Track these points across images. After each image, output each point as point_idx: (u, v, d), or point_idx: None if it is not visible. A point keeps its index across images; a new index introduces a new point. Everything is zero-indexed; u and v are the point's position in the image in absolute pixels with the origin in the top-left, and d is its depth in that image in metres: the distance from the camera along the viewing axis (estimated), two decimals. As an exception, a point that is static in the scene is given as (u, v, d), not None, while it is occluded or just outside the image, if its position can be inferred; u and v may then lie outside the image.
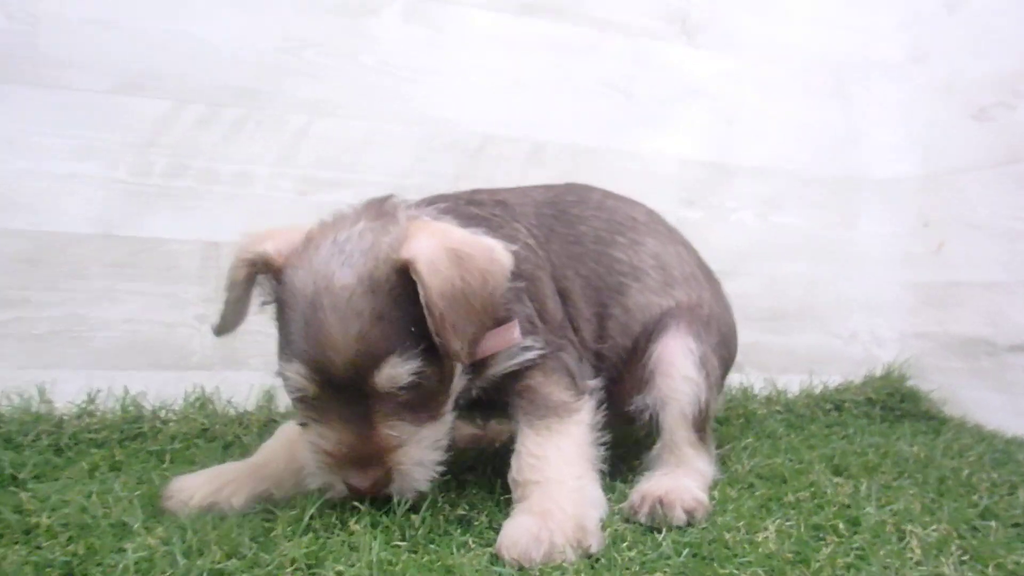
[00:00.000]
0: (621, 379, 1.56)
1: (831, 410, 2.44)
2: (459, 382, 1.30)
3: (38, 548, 1.07)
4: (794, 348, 2.68)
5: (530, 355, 1.34)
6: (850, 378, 2.64)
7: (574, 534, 1.16)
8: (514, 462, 1.30)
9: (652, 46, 2.48)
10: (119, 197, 1.92)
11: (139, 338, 1.93)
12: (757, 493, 1.51)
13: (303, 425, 1.26)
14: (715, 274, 1.79)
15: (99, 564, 1.01)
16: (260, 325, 2.03)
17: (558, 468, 1.26)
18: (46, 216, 1.86)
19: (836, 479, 1.61)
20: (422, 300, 1.15)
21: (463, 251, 1.21)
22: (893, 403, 2.53)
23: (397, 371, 1.17)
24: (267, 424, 1.86)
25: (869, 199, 2.78)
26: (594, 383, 1.42)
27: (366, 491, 1.21)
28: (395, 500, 1.23)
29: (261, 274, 1.31)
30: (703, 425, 1.50)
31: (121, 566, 0.99)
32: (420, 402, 1.23)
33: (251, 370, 2.01)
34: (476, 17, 2.27)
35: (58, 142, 1.87)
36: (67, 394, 1.82)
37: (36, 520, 1.17)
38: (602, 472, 1.35)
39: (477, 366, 1.32)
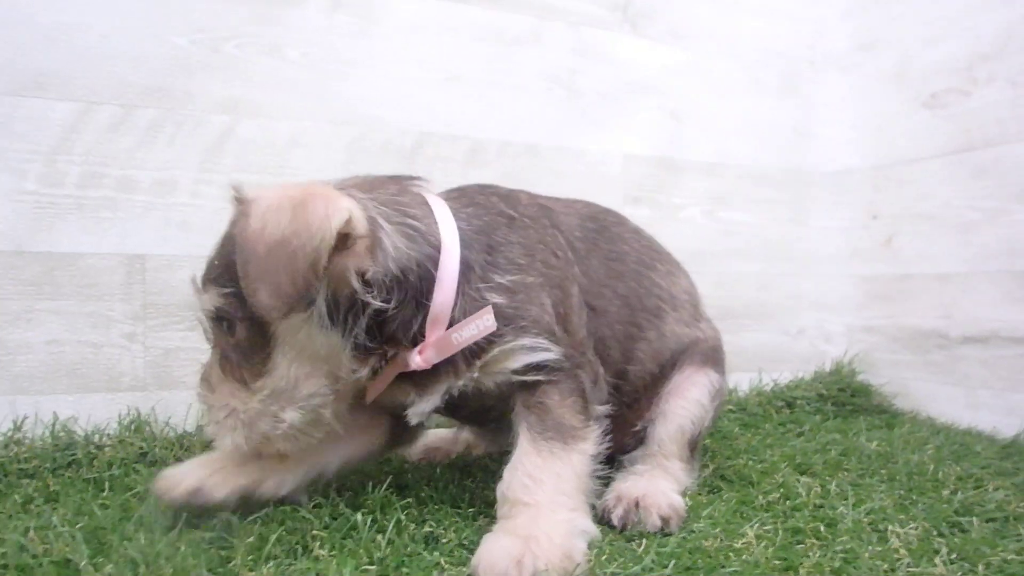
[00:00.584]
0: (637, 403, 1.67)
1: (783, 407, 2.60)
2: (289, 367, 1.32)
3: (-22, 593, 1.09)
4: (744, 346, 2.83)
5: (542, 356, 1.37)
6: (799, 375, 2.82)
7: (560, 563, 1.17)
8: (507, 476, 1.34)
9: (595, 36, 2.57)
10: (28, 210, 1.91)
11: (64, 360, 1.94)
12: (726, 496, 1.62)
13: None
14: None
15: (49, 608, 1.03)
16: (194, 342, 2.06)
17: (552, 495, 1.29)
18: (-51, 234, 1.84)
19: (803, 479, 1.73)
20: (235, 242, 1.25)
21: (302, 201, 1.22)
22: (844, 398, 2.70)
23: (208, 296, 1.32)
24: (209, 444, 1.87)
25: (818, 193, 2.95)
26: (603, 409, 1.47)
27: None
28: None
29: None
30: (695, 446, 1.66)
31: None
32: (240, 357, 1.33)
33: (188, 389, 2.02)
34: (408, 5, 2.30)
35: (-45, 151, 1.85)
36: (-13, 423, 1.81)
37: (-27, 562, 1.18)
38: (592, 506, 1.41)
39: (469, 357, 1.37)
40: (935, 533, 1.40)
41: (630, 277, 1.69)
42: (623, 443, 1.66)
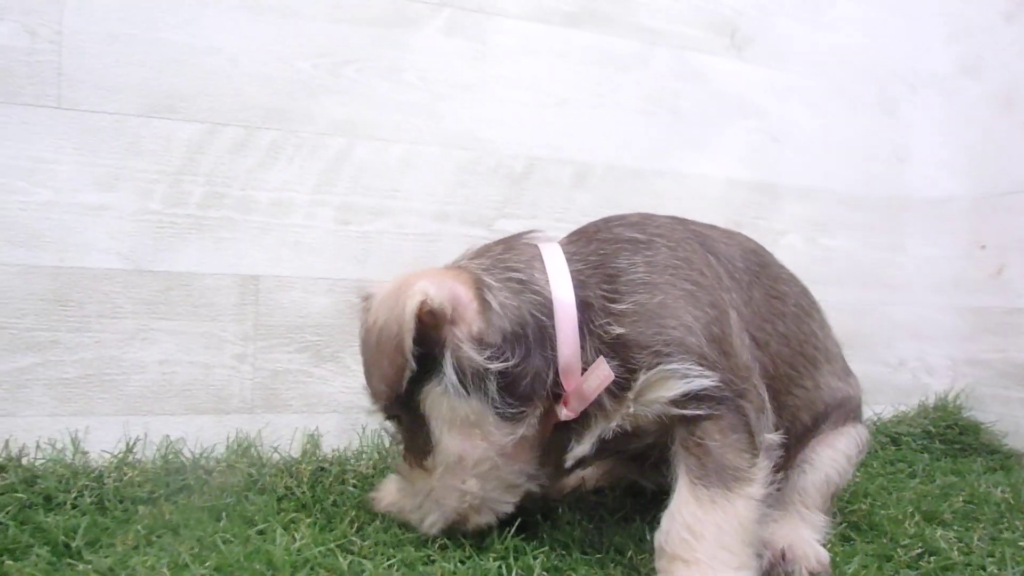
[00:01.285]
0: (789, 451, 1.49)
1: (887, 443, 2.44)
2: (450, 445, 1.32)
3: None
4: (844, 377, 2.67)
5: (698, 384, 1.23)
6: (900, 408, 2.64)
7: None
8: (665, 523, 1.22)
9: (699, 60, 2.45)
10: (150, 229, 1.85)
11: (175, 380, 1.87)
12: (859, 547, 1.48)
13: None
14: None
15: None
16: (302, 364, 1.99)
17: (713, 552, 1.17)
18: (73, 251, 1.79)
19: (940, 531, 1.59)
20: None
21: (396, 291, 1.27)
22: (952, 436, 2.52)
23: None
24: (316, 472, 1.79)
25: (917, 220, 2.77)
26: (774, 437, 1.32)
27: None
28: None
29: None
30: (834, 500, 1.55)
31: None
32: (405, 440, 1.41)
33: (294, 412, 1.95)
34: (520, 30, 2.22)
35: (84, 171, 1.80)
36: (101, 443, 1.76)
37: (109, 604, 1.09)
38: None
39: (615, 394, 1.29)
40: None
41: (790, 319, 1.54)
42: None
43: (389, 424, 1.44)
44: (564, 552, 1.39)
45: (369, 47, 2.03)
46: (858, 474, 2.11)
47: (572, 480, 1.79)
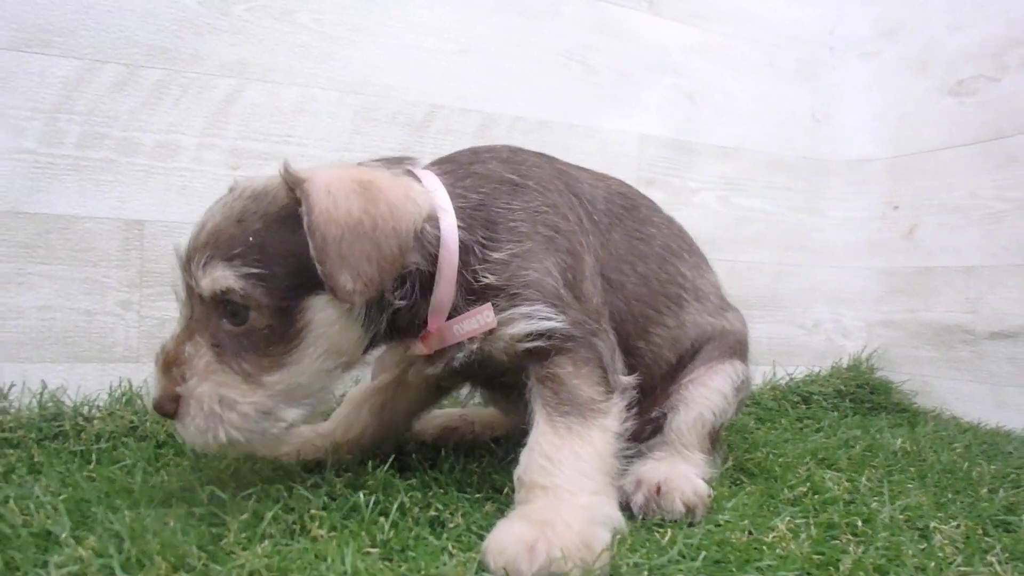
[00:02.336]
0: (652, 391, 1.55)
1: (799, 403, 2.51)
2: (314, 358, 1.23)
3: (-50, 563, 0.99)
4: (757, 338, 2.68)
5: (545, 325, 1.27)
6: (814, 369, 2.72)
7: (576, 552, 1.06)
8: (523, 459, 1.24)
9: (613, 13, 2.47)
10: (25, 169, 1.82)
11: (55, 327, 1.84)
12: (749, 489, 1.52)
13: None
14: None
15: (24, 580, 0.94)
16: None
17: (572, 477, 1.18)
18: (-58, 191, 1.74)
19: (829, 473, 1.64)
20: (304, 221, 1.14)
21: (375, 183, 1.20)
22: (863, 395, 2.60)
23: (217, 274, 1.16)
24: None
25: (836, 182, 2.85)
26: (628, 380, 1.36)
27: (155, 405, 1.20)
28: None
29: None
30: (716, 438, 1.57)
31: (47, 581, 0.92)
32: (247, 345, 1.19)
33: (181, 362, 1.92)
34: (425, -27, 2.21)
35: (-47, 107, 1.75)
36: (-28, 390, 1.71)
37: (-53, 530, 1.08)
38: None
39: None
40: (981, 532, 1.31)
41: (653, 260, 1.59)
42: (638, 431, 1.53)
43: (201, 302, 1.21)
44: (441, 491, 1.40)
45: (262, -14, 2.01)
46: (761, 428, 2.17)
47: (445, 420, 1.82)
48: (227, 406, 1.17)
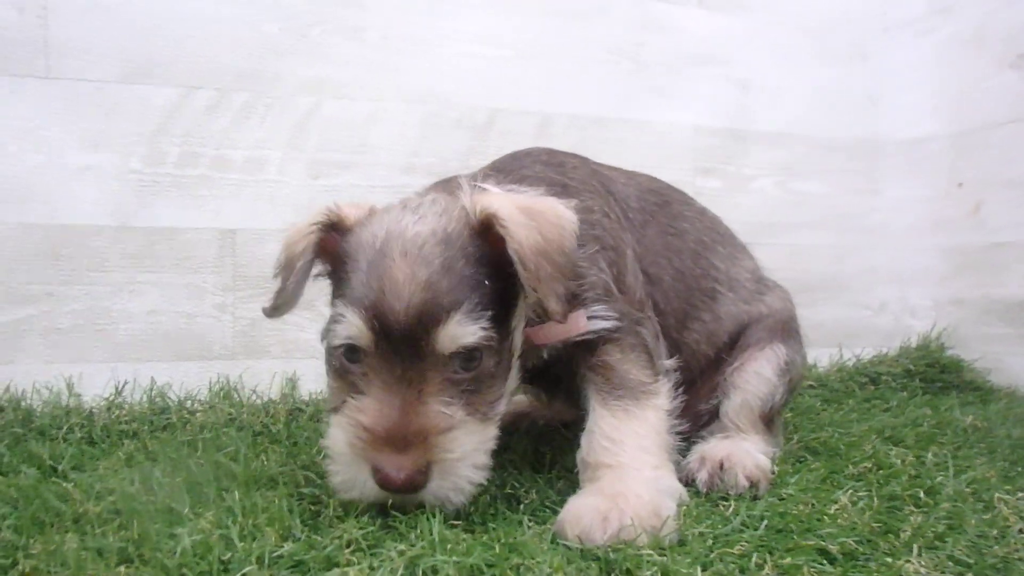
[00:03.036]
0: (694, 385, 1.57)
1: (867, 383, 2.46)
2: (513, 379, 1.27)
3: (93, 535, 1.12)
4: (821, 321, 2.71)
5: (603, 324, 1.31)
6: (882, 350, 2.68)
7: (648, 520, 1.09)
8: (585, 442, 1.28)
9: (661, 9, 2.50)
10: (133, 187, 1.99)
11: (161, 329, 2.00)
12: (813, 466, 1.52)
13: (334, 411, 1.20)
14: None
15: (156, 549, 1.06)
16: (280, 312, 2.10)
17: (634, 454, 1.23)
18: (63, 209, 1.93)
19: (895, 450, 1.62)
20: (512, 254, 1.14)
21: (532, 208, 1.21)
22: (933, 374, 2.54)
23: (463, 329, 1.11)
24: (292, 412, 1.93)
25: (894, 162, 2.80)
26: (671, 363, 1.41)
27: (400, 484, 1.09)
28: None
29: (327, 241, 1.28)
30: (769, 419, 1.58)
31: (180, 549, 1.03)
32: (475, 387, 1.16)
33: (272, 358, 2.07)
34: (478, -17, 2.29)
35: (71, 134, 1.94)
36: (94, 387, 1.91)
37: (84, 508, 1.23)
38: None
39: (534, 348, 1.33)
40: (1049, 504, 1.30)
41: (687, 255, 1.62)
42: (695, 420, 1.59)
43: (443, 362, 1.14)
44: (516, 471, 1.49)
45: (332, 8, 2.13)
46: (828, 409, 2.17)
47: (516, 407, 1.88)
48: (482, 455, 1.17)
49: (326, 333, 1.24)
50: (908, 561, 1.03)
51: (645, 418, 1.28)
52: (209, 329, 2.04)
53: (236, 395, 1.99)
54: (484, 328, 1.13)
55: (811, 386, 2.39)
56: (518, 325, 1.26)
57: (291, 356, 2.08)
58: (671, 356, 1.45)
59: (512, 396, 1.31)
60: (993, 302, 2.57)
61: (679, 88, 2.54)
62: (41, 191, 1.91)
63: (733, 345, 1.61)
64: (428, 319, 1.11)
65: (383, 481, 1.10)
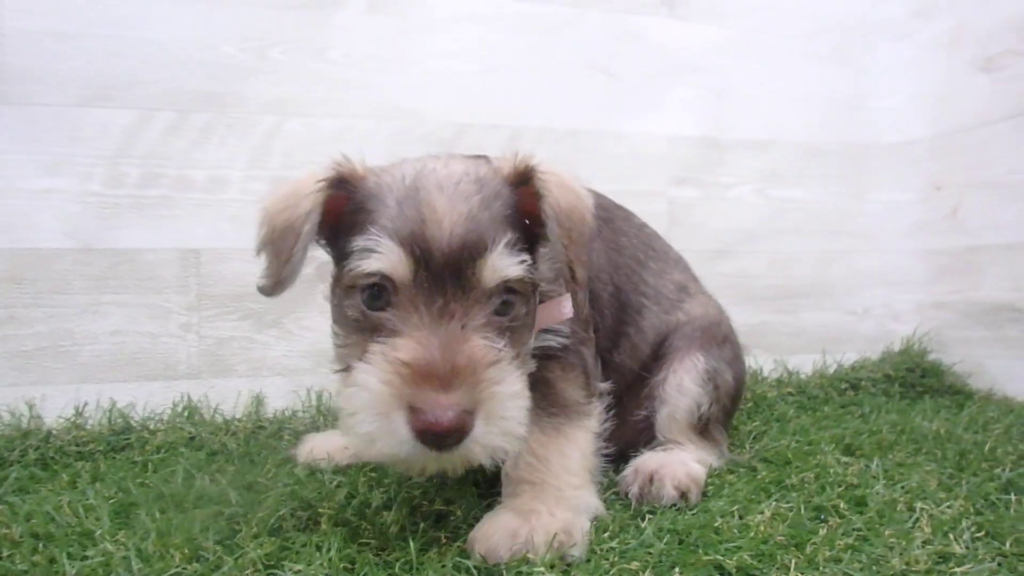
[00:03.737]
0: (622, 400, 1.53)
1: (846, 389, 2.41)
2: (532, 339, 1.20)
3: (1, 559, 1.10)
4: (804, 327, 2.65)
5: (553, 341, 1.27)
6: (866, 355, 2.61)
7: (558, 537, 1.09)
8: (511, 457, 1.22)
9: (633, 21, 2.46)
10: (94, 210, 1.98)
11: (125, 350, 1.99)
12: (758, 477, 1.49)
13: (348, 369, 1.08)
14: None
15: (56, 572, 1.04)
16: (245, 331, 2.09)
17: (557, 473, 1.22)
18: (24, 233, 1.93)
19: (845, 459, 1.60)
20: (547, 213, 1.10)
21: (560, 172, 1.16)
22: (914, 379, 2.48)
23: (505, 261, 1.05)
24: (254, 431, 1.90)
25: (878, 166, 2.73)
26: (604, 386, 1.38)
27: (446, 426, 0.96)
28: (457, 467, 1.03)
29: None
30: (702, 429, 1.54)
31: (74, 572, 1.01)
32: (510, 330, 1.09)
33: (239, 376, 2.05)
34: (443, 1, 2.27)
35: (30, 158, 1.93)
36: (57, 409, 1.89)
37: (7, 532, 1.21)
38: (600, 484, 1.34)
39: None
40: (971, 511, 1.26)
41: (624, 270, 1.58)
42: (637, 435, 1.56)
43: (486, 300, 1.06)
44: (454, 487, 1.44)
45: (294, 29, 2.11)
46: (801, 416, 2.10)
47: None
48: (523, 399, 1.07)
49: (337, 278, 1.15)
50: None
51: (575, 438, 1.26)
52: (174, 349, 2.02)
53: (199, 415, 1.96)
54: (526, 264, 1.07)
55: (790, 393, 2.32)
56: (539, 284, 1.21)
57: (258, 374, 2.06)
58: (605, 379, 1.41)
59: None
60: (972, 305, 2.50)
61: (653, 99, 2.48)
62: (2, 215, 1.91)
63: (656, 356, 1.57)
64: (473, 248, 1.04)
65: (425, 426, 0.96)
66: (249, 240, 2.04)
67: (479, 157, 1.27)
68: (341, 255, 1.13)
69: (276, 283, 1.16)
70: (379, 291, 1.06)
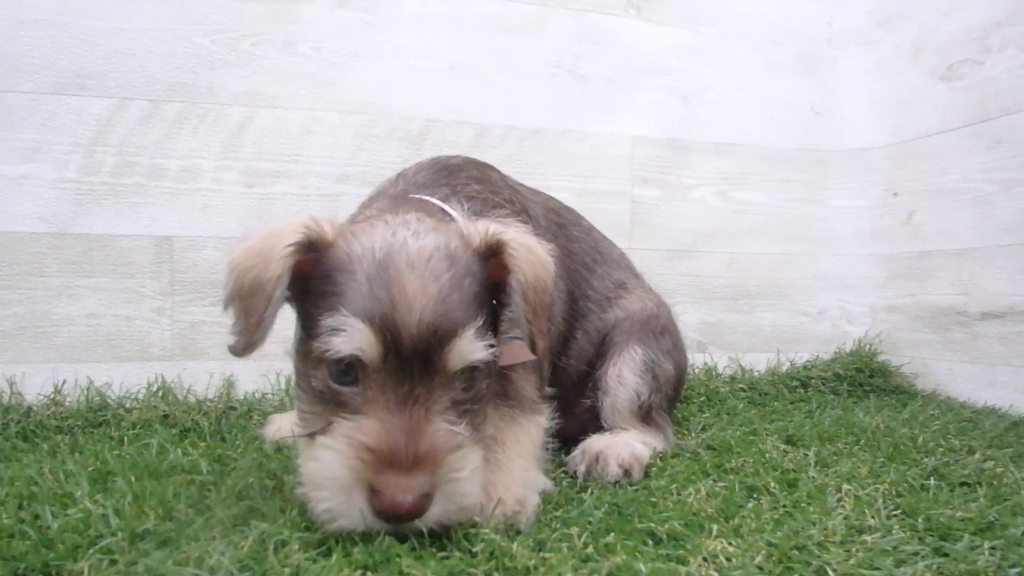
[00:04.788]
0: (567, 397, 1.67)
1: (797, 387, 2.58)
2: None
3: (-13, 516, 1.24)
4: (760, 327, 2.82)
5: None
6: (819, 355, 2.79)
7: (511, 506, 1.18)
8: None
9: (600, 22, 2.61)
10: (70, 196, 2.11)
11: (101, 332, 2.13)
12: (700, 461, 1.65)
13: (312, 436, 1.13)
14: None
15: (39, 528, 1.18)
16: (217, 316, 2.22)
17: (510, 455, 1.31)
18: (0, 217, 2.05)
19: (785, 447, 1.75)
20: (515, 284, 1.18)
21: (527, 243, 1.24)
22: (862, 379, 2.66)
23: (472, 346, 1.09)
24: (226, 411, 2.04)
25: (837, 172, 2.90)
26: (550, 391, 1.53)
27: (407, 509, 1.02)
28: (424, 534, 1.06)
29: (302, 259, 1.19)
30: (644, 415, 1.69)
31: (57, 525, 1.15)
32: (472, 409, 1.15)
33: (211, 359, 2.19)
34: (412, -2, 2.41)
35: (6, 145, 2.06)
36: (36, 387, 2.03)
37: (-10, 493, 1.34)
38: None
39: None
40: (894, 493, 1.40)
41: (574, 276, 1.74)
42: (584, 424, 1.71)
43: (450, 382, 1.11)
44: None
45: (264, 22, 2.25)
46: (752, 410, 2.27)
47: None
48: (479, 475, 1.14)
49: (304, 350, 1.17)
50: (720, 542, 1.13)
51: (527, 429, 1.39)
52: (148, 332, 2.16)
53: (173, 395, 2.11)
54: (490, 347, 1.13)
55: (742, 389, 2.50)
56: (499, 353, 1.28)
57: (229, 358, 2.13)
58: (553, 383, 1.56)
59: None
60: (922, 309, 2.68)
61: (618, 100, 2.64)
62: (-21, 201, 2.04)
63: (599, 353, 1.73)
64: (442, 333, 1.08)
65: (386, 507, 1.02)
66: (221, 229, 2.21)
67: (445, 215, 1.36)
68: (309, 324, 1.17)
69: (247, 345, 1.19)
70: (347, 368, 1.10)
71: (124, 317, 2.14)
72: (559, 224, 1.77)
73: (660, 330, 1.76)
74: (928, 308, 2.65)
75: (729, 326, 2.78)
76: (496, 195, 1.57)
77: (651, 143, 2.67)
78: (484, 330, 1.13)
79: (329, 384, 1.11)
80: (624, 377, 1.67)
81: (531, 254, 1.22)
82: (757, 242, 2.81)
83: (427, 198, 1.46)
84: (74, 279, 2.10)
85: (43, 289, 2.08)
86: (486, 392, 1.20)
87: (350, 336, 1.07)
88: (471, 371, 1.14)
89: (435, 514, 1.06)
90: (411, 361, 1.07)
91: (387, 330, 1.06)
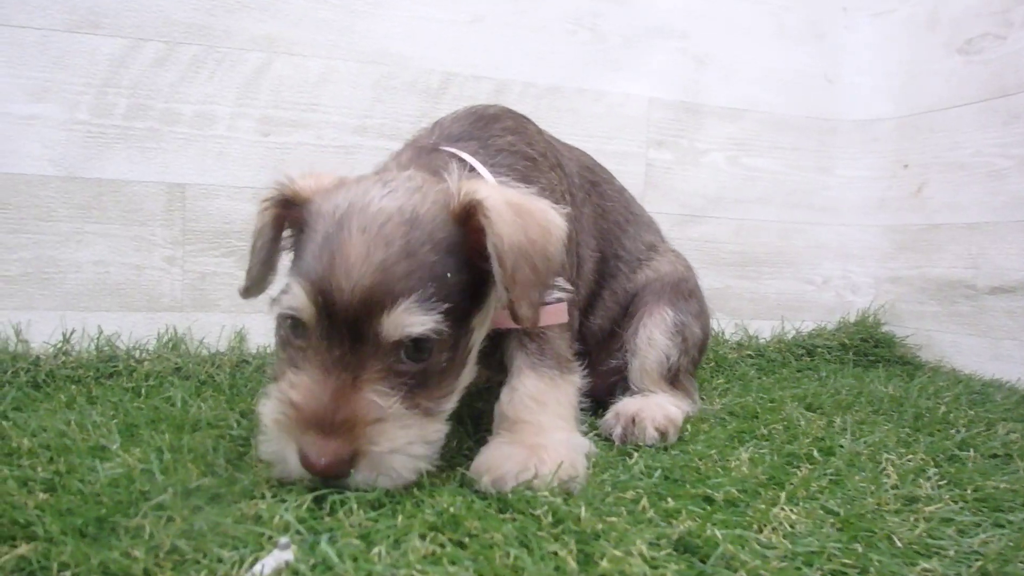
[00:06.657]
0: (591, 356, 1.64)
1: (803, 355, 2.59)
2: (468, 375, 1.24)
3: (20, 467, 1.19)
4: (765, 294, 2.82)
5: (555, 295, 1.35)
6: (823, 324, 2.80)
7: (565, 470, 1.16)
8: (506, 397, 1.32)
9: (620, -21, 2.54)
10: (80, 138, 2.02)
11: (109, 280, 2.05)
12: (729, 427, 1.64)
13: (274, 380, 1.15)
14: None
15: (80, 480, 1.13)
16: (228, 267, 2.16)
17: (552, 417, 1.30)
18: (8, 158, 1.96)
19: (809, 415, 1.75)
20: (491, 248, 1.11)
21: (523, 206, 1.18)
22: (867, 348, 2.67)
23: (410, 319, 1.07)
24: (239, 364, 1.99)
25: (846, 142, 2.88)
26: (576, 347, 1.49)
27: (321, 469, 1.04)
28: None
29: (287, 215, 1.25)
30: (673, 378, 1.68)
31: (100, 481, 1.10)
32: (421, 381, 1.11)
33: (222, 312, 2.13)
34: (436, -52, 2.31)
35: (16, 83, 1.96)
36: (42, 335, 1.96)
37: (17, 443, 1.29)
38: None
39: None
40: (932, 464, 1.40)
41: (607, 235, 1.70)
42: (612, 385, 1.70)
43: (389, 350, 1.08)
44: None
45: (285, -35, 2.15)
46: (761, 377, 2.28)
47: None
48: (419, 447, 1.11)
49: (275, 301, 1.18)
50: (782, 508, 1.12)
51: (565, 388, 1.37)
52: (158, 281, 2.09)
53: (184, 346, 2.05)
54: (437, 321, 1.08)
55: (749, 355, 2.50)
56: (483, 322, 1.24)
57: (241, 310, 2.14)
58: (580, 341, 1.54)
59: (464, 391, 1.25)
60: (927, 281, 2.69)
61: (635, 60, 2.58)
62: (-15, 139, 1.94)
63: (626, 313, 1.71)
64: (374, 303, 1.06)
65: (307, 464, 1.05)
66: (235, 178, 2.13)
67: (451, 159, 1.31)
68: (292, 264, 1.22)
69: (245, 288, 1.33)
70: (296, 323, 1.12)
71: (134, 265, 2.07)
72: (593, 182, 1.73)
73: (689, 293, 1.74)
74: (934, 280, 2.66)
75: (736, 292, 2.77)
76: (531, 147, 1.51)
77: (666, 105, 2.62)
78: (434, 302, 1.09)
79: (288, 334, 1.14)
80: (655, 339, 1.65)
81: (519, 216, 1.15)
82: (765, 209, 2.80)
83: (457, 151, 1.41)
84: (83, 224, 2.02)
85: (51, 234, 2.00)
86: (449, 364, 1.15)
87: (293, 295, 1.09)
88: (419, 342, 1.09)
89: (359, 479, 1.07)
90: (343, 327, 1.07)
91: (320, 295, 1.07)
